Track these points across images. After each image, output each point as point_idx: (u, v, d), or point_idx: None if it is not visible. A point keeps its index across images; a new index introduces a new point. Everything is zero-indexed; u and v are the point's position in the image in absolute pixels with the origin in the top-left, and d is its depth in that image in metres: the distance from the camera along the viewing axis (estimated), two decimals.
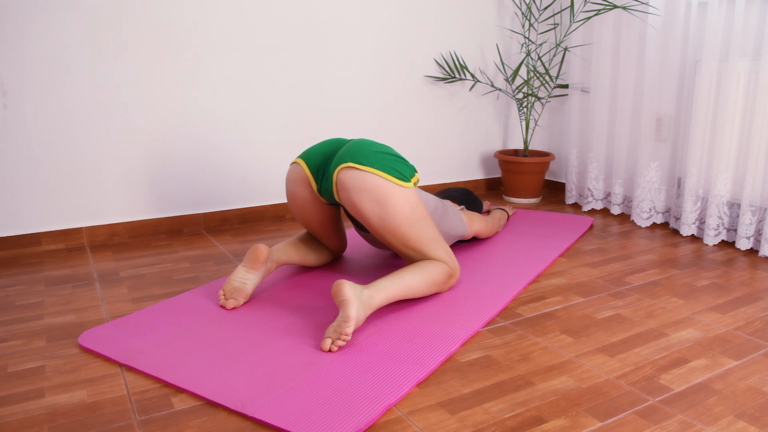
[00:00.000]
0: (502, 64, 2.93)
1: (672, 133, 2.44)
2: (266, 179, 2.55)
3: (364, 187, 1.55)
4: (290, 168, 1.75)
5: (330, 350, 1.36)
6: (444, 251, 1.66)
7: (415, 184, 1.62)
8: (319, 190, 1.69)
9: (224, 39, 2.33)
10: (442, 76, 2.87)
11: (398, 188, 1.56)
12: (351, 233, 2.34)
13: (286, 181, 1.76)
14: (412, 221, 1.59)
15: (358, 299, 1.39)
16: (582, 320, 1.57)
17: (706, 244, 2.22)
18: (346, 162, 1.58)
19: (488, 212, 2.54)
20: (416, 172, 1.64)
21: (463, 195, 2.24)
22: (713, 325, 1.54)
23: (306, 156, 1.71)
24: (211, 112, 2.37)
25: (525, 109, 2.89)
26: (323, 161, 1.68)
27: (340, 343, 1.35)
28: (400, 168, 1.59)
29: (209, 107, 2.36)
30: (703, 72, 2.19)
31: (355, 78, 2.65)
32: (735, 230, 2.22)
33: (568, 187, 2.87)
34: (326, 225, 1.82)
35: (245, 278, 1.63)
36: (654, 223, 2.52)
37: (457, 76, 2.88)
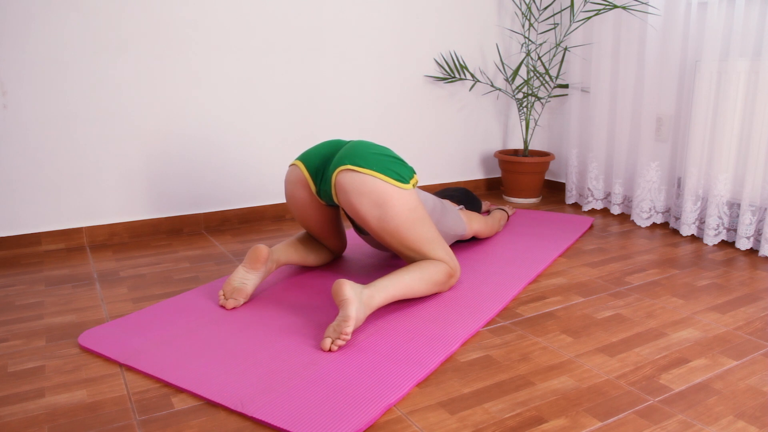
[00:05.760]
0: (502, 64, 2.93)
1: (672, 133, 2.44)
2: (266, 179, 2.55)
3: (363, 189, 1.55)
4: (289, 170, 1.74)
5: (330, 350, 1.36)
6: (444, 251, 1.66)
7: (414, 185, 1.62)
8: (318, 192, 1.69)
9: (224, 39, 2.33)
10: (442, 76, 2.87)
11: (397, 190, 1.56)
12: (351, 233, 2.34)
13: (285, 183, 1.76)
14: (411, 222, 1.59)
15: (358, 299, 1.39)
16: (582, 320, 1.57)
17: (706, 244, 2.22)
18: (344, 164, 1.58)
19: (488, 212, 2.54)
20: (415, 173, 1.64)
21: (462, 195, 2.24)
22: (713, 325, 1.54)
23: (304, 158, 1.71)
24: (211, 112, 2.37)
25: (525, 109, 2.89)
26: (322, 163, 1.68)
27: (340, 342, 1.35)
28: (398, 169, 1.58)
29: (209, 107, 2.36)
30: (703, 72, 2.19)
31: (355, 78, 2.65)
32: (735, 230, 2.22)
33: (568, 187, 2.87)
34: (326, 226, 1.82)
35: (245, 278, 1.63)
36: (654, 223, 2.52)
37: (457, 76, 2.88)
